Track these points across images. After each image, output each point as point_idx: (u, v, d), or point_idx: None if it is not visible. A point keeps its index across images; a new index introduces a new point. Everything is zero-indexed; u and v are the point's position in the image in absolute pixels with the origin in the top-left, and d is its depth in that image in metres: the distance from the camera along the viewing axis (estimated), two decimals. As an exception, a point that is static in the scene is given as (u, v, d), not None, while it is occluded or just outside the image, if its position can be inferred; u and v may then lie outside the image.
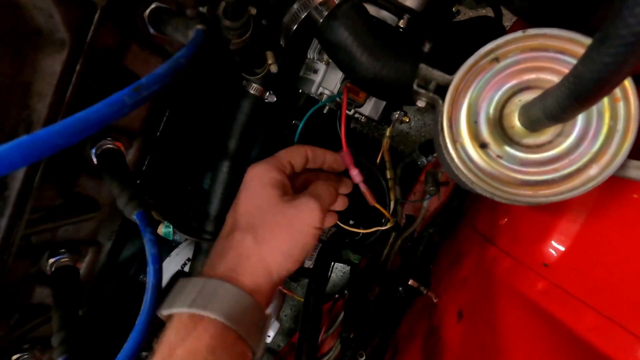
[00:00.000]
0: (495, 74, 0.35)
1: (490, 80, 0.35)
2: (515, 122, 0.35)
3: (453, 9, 0.64)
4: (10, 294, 0.45)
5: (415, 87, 0.39)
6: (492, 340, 0.48)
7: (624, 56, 0.20)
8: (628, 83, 0.32)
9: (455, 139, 0.36)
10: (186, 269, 0.70)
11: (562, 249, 0.42)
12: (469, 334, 0.52)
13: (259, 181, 0.44)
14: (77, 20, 0.33)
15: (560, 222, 0.43)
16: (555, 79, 0.34)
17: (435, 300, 0.68)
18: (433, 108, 0.41)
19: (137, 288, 0.75)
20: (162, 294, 0.38)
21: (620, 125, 0.32)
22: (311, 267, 0.84)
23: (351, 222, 0.74)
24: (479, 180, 0.35)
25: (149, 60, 0.46)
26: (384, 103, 0.66)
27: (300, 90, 0.71)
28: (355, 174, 0.55)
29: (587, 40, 0.33)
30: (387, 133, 0.68)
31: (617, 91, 0.32)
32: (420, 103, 0.41)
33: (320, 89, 0.66)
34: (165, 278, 0.72)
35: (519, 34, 0.34)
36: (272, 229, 0.41)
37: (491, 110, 0.35)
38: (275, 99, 0.61)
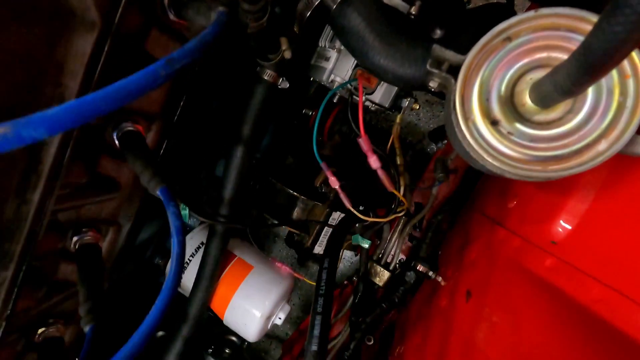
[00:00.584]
0: (507, 53, 0.36)
1: (502, 59, 0.36)
2: (526, 99, 0.36)
3: (464, -4, 0.65)
4: (39, 268, 0.47)
5: (428, 67, 0.40)
6: (500, 317, 0.49)
7: (634, 24, 0.21)
8: (639, 60, 0.32)
9: (467, 117, 0.37)
10: (200, 252, 0.72)
11: (569, 227, 0.43)
12: (477, 313, 0.53)
13: None
14: (107, 1, 0.35)
15: (569, 201, 0.44)
16: (565, 57, 0.35)
17: (443, 284, 0.70)
18: (443, 94, 0.42)
19: (153, 270, 0.77)
20: (183, 265, 0.40)
21: (629, 102, 0.33)
22: (321, 253, 0.86)
23: (361, 207, 0.75)
24: (490, 157, 0.36)
25: (168, 44, 0.47)
26: (395, 89, 0.67)
27: (311, 79, 0.72)
28: (373, 160, 0.55)
29: (598, 18, 0.34)
30: (398, 120, 0.69)
31: (627, 68, 0.33)
32: (433, 83, 0.42)
33: (332, 77, 0.67)
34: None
35: (531, 13, 0.35)
36: None
37: (502, 88, 0.36)
38: (287, 85, 0.63)
